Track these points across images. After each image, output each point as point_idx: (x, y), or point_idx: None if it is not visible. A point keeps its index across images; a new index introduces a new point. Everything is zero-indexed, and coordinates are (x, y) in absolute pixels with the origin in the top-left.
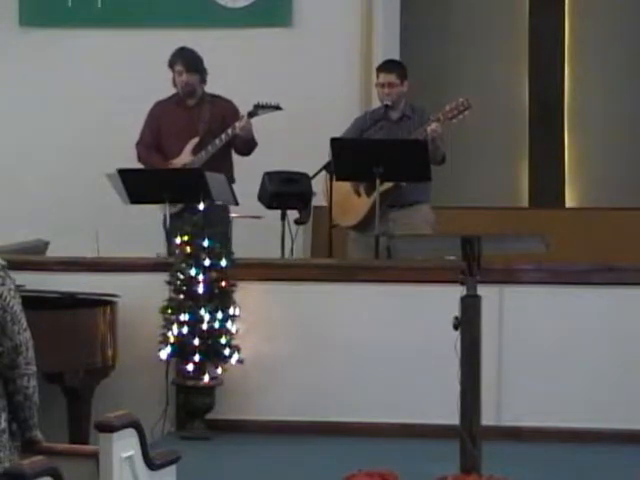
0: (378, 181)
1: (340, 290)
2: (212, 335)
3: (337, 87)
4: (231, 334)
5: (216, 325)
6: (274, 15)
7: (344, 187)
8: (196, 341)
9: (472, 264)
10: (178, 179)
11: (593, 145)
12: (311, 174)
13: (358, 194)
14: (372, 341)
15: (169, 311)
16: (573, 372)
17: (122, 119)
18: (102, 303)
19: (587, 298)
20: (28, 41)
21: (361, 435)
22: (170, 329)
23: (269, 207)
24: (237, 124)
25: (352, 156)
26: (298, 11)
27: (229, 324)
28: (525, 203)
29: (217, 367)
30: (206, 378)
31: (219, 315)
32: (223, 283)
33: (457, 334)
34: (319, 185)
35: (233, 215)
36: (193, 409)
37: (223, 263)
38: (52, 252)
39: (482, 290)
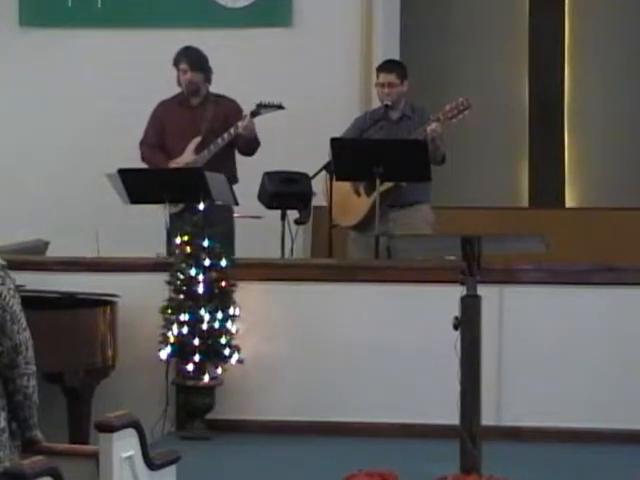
0: (378, 181)
1: (340, 290)
2: (212, 335)
3: (337, 87)
4: (231, 334)
5: (216, 325)
6: (274, 15)
7: (344, 187)
8: (196, 341)
9: (472, 264)
10: (178, 179)
11: (593, 145)
12: (311, 174)
13: (358, 194)
14: (372, 341)
15: (169, 311)
16: (573, 372)
17: (122, 119)
18: (102, 303)
19: (587, 298)
20: (28, 41)
21: (361, 435)
22: (170, 329)
23: (269, 207)
24: (240, 123)
25: (352, 156)
26: (298, 11)
27: (229, 324)
28: (525, 203)
29: (217, 367)
30: (206, 378)
31: (219, 315)
32: (223, 283)
33: (457, 334)
34: (319, 185)
35: (234, 215)
36: (193, 409)
37: (223, 263)
38: (52, 252)
39: (482, 290)
